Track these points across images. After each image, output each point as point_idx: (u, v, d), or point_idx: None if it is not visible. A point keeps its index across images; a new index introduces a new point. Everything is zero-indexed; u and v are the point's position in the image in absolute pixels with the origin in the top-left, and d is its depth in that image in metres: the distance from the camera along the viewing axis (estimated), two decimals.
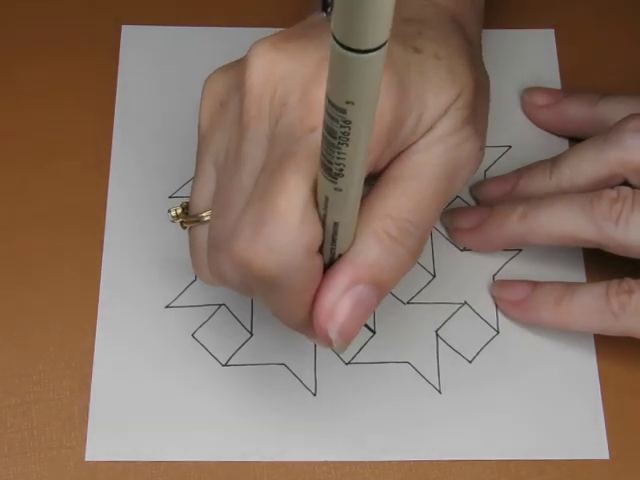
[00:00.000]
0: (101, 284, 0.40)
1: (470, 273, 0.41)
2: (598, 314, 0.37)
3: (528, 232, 0.38)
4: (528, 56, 0.45)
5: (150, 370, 0.39)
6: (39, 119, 0.44)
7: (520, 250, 0.41)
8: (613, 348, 0.39)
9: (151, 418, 0.38)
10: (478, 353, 0.39)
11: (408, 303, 0.40)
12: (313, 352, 0.39)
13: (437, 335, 0.40)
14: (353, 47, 0.21)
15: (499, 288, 0.40)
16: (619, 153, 0.37)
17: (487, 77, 0.36)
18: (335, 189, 0.27)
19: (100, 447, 0.38)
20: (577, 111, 0.42)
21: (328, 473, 0.37)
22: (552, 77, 0.45)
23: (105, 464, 0.38)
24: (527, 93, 0.44)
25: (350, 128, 0.24)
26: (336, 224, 0.29)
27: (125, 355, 0.39)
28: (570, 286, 0.38)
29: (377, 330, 0.40)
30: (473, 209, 0.41)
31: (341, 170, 0.25)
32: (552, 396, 0.39)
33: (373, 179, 0.32)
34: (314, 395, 0.39)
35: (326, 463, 0.38)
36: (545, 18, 0.46)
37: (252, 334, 0.40)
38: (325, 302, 0.30)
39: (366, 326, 0.40)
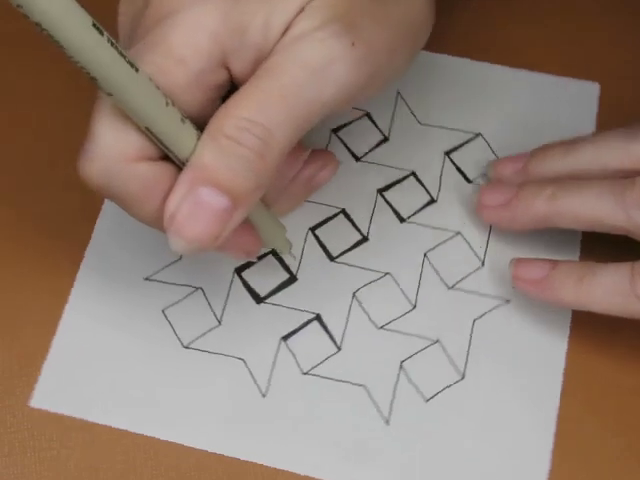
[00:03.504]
0: (87, 249, 0.41)
1: (452, 312, 0.40)
2: (621, 296, 0.36)
3: (555, 213, 0.37)
4: (566, 105, 0.44)
5: (114, 336, 0.40)
6: (39, 118, 0.44)
7: (508, 301, 0.40)
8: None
9: (104, 381, 0.39)
10: (436, 394, 0.38)
11: (381, 328, 0.40)
12: (274, 354, 0.39)
13: (401, 366, 0.39)
14: None
15: (516, 266, 0.39)
16: None
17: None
18: (107, 94, 0.29)
19: (48, 396, 0.39)
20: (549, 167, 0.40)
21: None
22: (587, 130, 0.43)
23: (51, 415, 0.38)
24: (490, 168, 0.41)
25: (51, 33, 0.26)
26: (148, 129, 0.30)
27: (94, 316, 0.40)
28: (593, 265, 0.37)
29: (342, 347, 0.39)
30: (501, 186, 0.40)
31: (89, 74, 0.28)
32: (502, 447, 0.37)
33: None
34: (263, 396, 0.39)
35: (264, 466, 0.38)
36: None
37: (220, 323, 0.40)
38: (167, 204, 0.31)
39: (333, 341, 0.39)
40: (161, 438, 0.38)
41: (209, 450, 0.38)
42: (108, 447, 0.38)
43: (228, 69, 0.32)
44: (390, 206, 0.42)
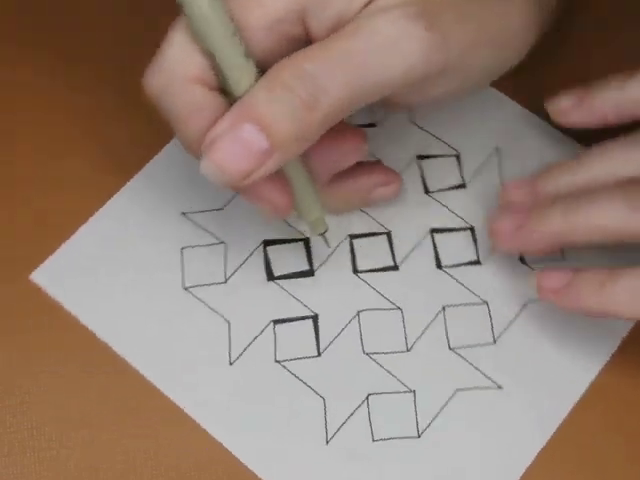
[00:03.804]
0: (143, 169, 0.43)
1: (441, 372, 0.39)
2: None
3: (569, 229, 0.37)
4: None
5: (128, 251, 0.41)
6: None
7: (500, 388, 0.39)
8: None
9: (102, 286, 0.40)
10: (385, 439, 0.38)
11: (366, 354, 0.39)
12: (258, 332, 0.39)
13: (367, 398, 0.38)
14: None
15: (539, 277, 0.38)
16: None
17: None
18: (179, 9, 0.31)
19: (49, 277, 0.40)
20: (607, 102, 0.39)
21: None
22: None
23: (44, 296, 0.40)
24: (550, 103, 0.41)
25: None
26: (212, 56, 0.32)
27: (120, 225, 0.41)
28: (614, 270, 0.36)
29: (322, 355, 0.39)
30: (511, 210, 0.39)
31: None
32: None
33: None
34: (230, 364, 0.39)
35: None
36: None
37: (226, 282, 0.40)
38: (210, 133, 0.32)
39: (317, 345, 0.39)
40: (124, 357, 0.39)
41: (162, 389, 0.39)
42: (108, 447, 0.38)
43: (306, 26, 0.33)
44: (434, 249, 0.41)
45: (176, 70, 0.33)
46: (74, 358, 0.39)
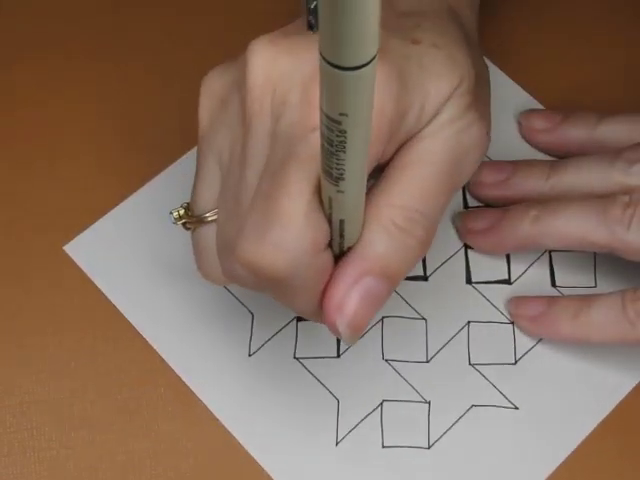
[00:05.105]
0: (178, 161, 0.43)
1: (458, 386, 0.39)
2: (615, 324, 0.37)
3: (541, 234, 0.38)
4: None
5: (165, 235, 0.41)
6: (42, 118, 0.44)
7: (517, 408, 0.38)
8: None
9: (135, 265, 0.41)
10: (394, 447, 0.38)
11: (385, 360, 0.39)
12: (279, 327, 0.40)
13: (381, 404, 0.38)
14: (341, 65, 0.21)
15: (515, 305, 0.40)
16: (626, 179, 0.38)
17: (486, 66, 0.37)
18: (337, 191, 0.27)
19: (82, 249, 0.41)
20: (577, 134, 0.41)
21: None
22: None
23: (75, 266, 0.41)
24: (524, 117, 0.43)
25: (346, 137, 0.24)
26: (342, 221, 0.29)
27: (153, 211, 0.42)
28: (586, 298, 0.38)
29: (342, 357, 0.39)
30: (485, 211, 0.41)
31: (341, 174, 0.26)
32: None
33: (380, 170, 0.32)
34: (249, 356, 0.39)
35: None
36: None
37: None
38: (334, 295, 0.30)
39: (337, 347, 0.39)
40: (144, 335, 0.39)
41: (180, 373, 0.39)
42: (108, 447, 0.38)
43: None
44: (467, 263, 0.41)
45: (306, 244, 0.29)
46: (77, 356, 0.39)
